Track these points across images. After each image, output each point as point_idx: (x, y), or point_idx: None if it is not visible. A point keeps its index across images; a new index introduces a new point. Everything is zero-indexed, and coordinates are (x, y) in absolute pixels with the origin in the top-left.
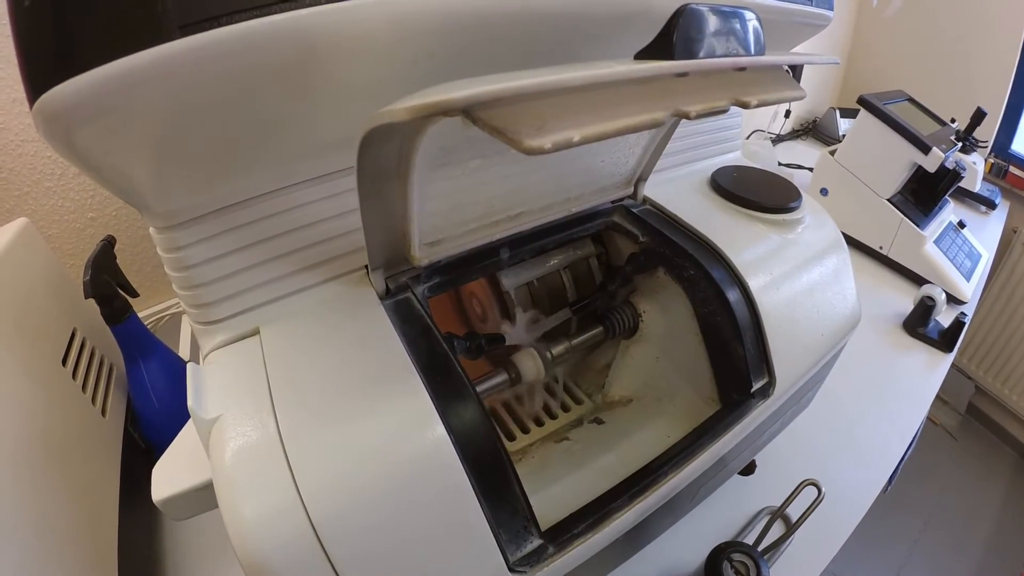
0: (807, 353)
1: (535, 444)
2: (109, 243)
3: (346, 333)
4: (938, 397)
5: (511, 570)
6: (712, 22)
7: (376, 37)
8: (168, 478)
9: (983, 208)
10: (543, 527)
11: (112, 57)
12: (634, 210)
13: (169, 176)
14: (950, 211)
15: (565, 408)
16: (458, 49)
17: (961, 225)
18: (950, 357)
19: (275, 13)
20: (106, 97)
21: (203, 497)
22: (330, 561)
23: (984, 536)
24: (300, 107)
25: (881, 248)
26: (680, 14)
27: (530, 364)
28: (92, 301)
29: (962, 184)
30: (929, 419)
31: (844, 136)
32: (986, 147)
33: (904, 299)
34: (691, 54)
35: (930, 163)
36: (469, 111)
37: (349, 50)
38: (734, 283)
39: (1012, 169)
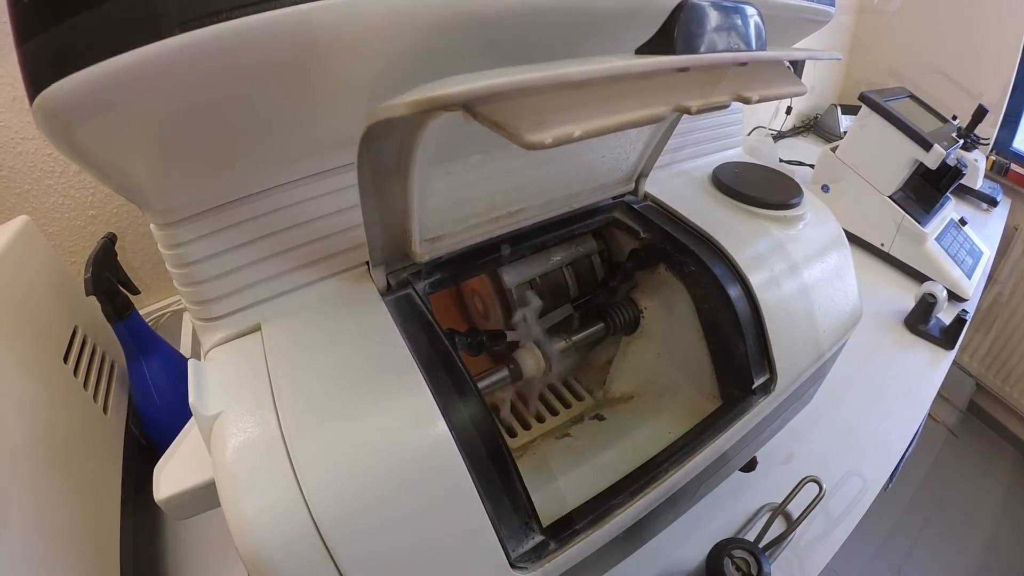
0: (808, 350)
1: (536, 440)
2: (110, 240)
3: (347, 329)
4: (939, 394)
5: (512, 566)
6: (713, 17)
7: (376, 33)
8: (170, 477)
9: (984, 205)
10: (544, 523)
11: (112, 53)
12: (635, 206)
13: (169, 172)
14: (951, 208)
15: (566, 404)
16: (458, 45)
17: (962, 222)
18: (951, 354)
19: (273, 9)
20: (106, 93)
21: (205, 496)
22: (332, 558)
23: (985, 533)
24: (300, 103)
25: (882, 245)
26: (681, 8)
27: (531, 360)
28: (93, 299)
29: (963, 181)
30: (930, 416)
31: (845, 133)
32: (988, 144)
33: (905, 296)
34: (692, 49)
35: (931, 160)
36: (469, 106)
37: (348, 46)
38: (735, 279)
39: (1014, 166)
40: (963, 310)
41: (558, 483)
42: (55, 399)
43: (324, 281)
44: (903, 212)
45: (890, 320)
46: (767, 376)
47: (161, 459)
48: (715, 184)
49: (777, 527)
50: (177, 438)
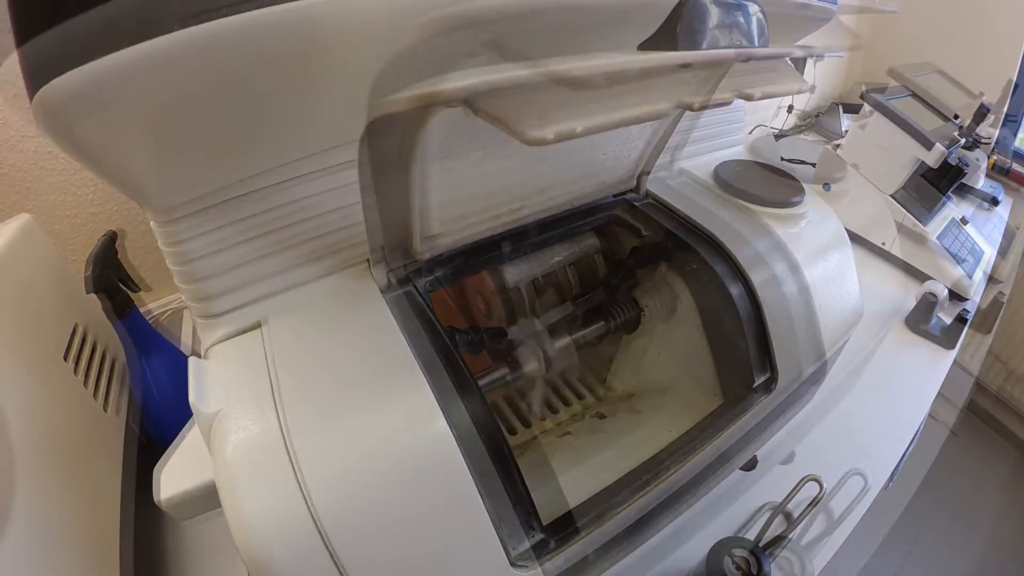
0: (810, 349)
1: (537, 438)
2: (111, 238)
3: (348, 327)
4: (939, 393)
5: (513, 564)
6: (715, 13)
7: (376, 30)
8: (171, 477)
9: (986, 205)
10: (545, 522)
11: (111, 49)
12: (637, 204)
13: (169, 169)
14: (953, 207)
15: (567, 402)
16: (459, 41)
17: (964, 221)
18: (952, 354)
19: (273, 5)
20: (104, 90)
21: (207, 496)
22: (333, 557)
23: (985, 533)
24: (299, 100)
25: (884, 244)
26: (684, 5)
27: (532, 358)
28: (94, 296)
29: (965, 180)
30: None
31: (847, 132)
32: (989, 144)
33: (907, 295)
34: (694, 45)
35: (933, 159)
36: (471, 101)
37: (349, 42)
38: (737, 278)
39: (1015, 166)
40: (964, 309)
41: (558, 481)
42: (55, 397)
43: (325, 279)
44: (904, 211)
45: (891, 319)
46: (768, 375)
47: (162, 458)
48: (717, 182)
49: (777, 526)
50: (178, 437)
